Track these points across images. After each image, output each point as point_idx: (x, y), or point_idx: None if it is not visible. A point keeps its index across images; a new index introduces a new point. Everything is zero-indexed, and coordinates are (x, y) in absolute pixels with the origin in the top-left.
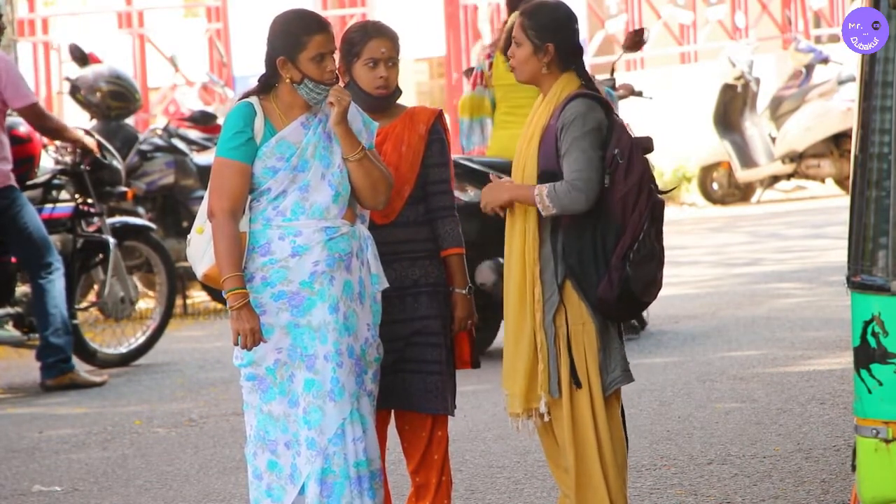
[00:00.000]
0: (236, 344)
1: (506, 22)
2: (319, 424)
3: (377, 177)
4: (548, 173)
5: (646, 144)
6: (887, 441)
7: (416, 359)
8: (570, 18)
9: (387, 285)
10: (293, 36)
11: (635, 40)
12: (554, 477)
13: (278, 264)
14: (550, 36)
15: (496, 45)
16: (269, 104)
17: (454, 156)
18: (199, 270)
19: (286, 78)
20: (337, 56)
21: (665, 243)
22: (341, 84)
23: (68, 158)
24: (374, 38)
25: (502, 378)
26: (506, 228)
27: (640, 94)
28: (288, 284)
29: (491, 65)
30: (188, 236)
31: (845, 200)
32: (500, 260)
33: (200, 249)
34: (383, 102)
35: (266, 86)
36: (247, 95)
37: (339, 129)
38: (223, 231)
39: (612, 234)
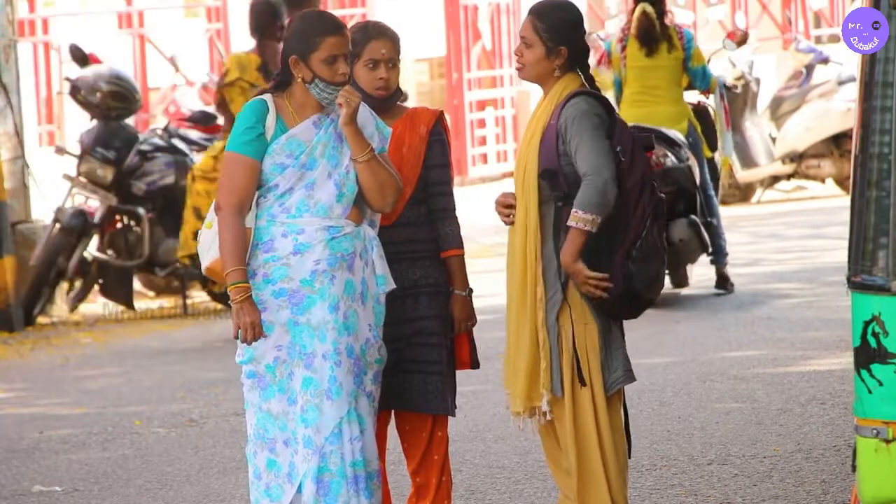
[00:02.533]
0: (236, 338)
1: (633, 10)
2: (316, 423)
3: (385, 179)
4: (548, 172)
5: (646, 143)
6: (887, 441)
7: (417, 359)
8: (580, 20)
9: (394, 286)
10: (306, 36)
11: (744, 39)
12: (554, 478)
13: (280, 261)
14: (564, 39)
15: (627, 30)
16: (283, 102)
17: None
18: (204, 264)
19: (298, 77)
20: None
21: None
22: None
23: None
24: (374, 39)
25: (503, 377)
26: (509, 228)
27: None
28: (289, 282)
29: (624, 48)
30: (198, 231)
31: (845, 200)
32: (694, 218)
33: (207, 244)
34: (383, 103)
35: (281, 84)
36: (262, 92)
37: (348, 130)
38: (228, 225)
39: (615, 232)
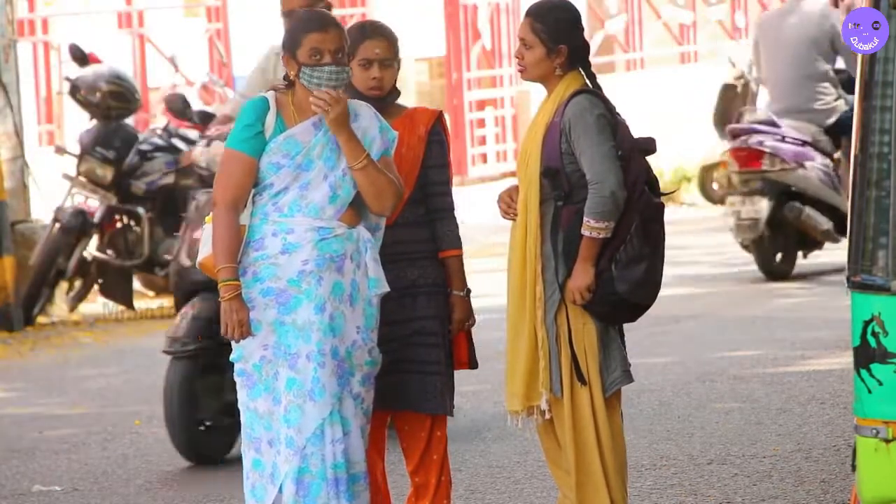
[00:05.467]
0: (224, 334)
1: None
2: (298, 423)
3: (383, 185)
4: (550, 170)
5: (647, 146)
6: (887, 441)
7: (415, 359)
8: (577, 18)
9: (387, 289)
10: (293, 34)
11: None
12: (554, 478)
13: (269, 260)
14: (563, 38)
15: None
16: (286, 100)
17: None
18: (198, 259)
19: (291, 74)
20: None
21: (666, 243)
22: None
23: None
24: (368, 38)
25: (505, 376)
26: (511, 225)
27: None
28: (276, 281)
29: None
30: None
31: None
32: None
33: (206, 238)
34: (378, 103)
35: (290, 83)
36: (268, 90)
37: (341, 137)
38: (222, 221)
39: (612, 234)
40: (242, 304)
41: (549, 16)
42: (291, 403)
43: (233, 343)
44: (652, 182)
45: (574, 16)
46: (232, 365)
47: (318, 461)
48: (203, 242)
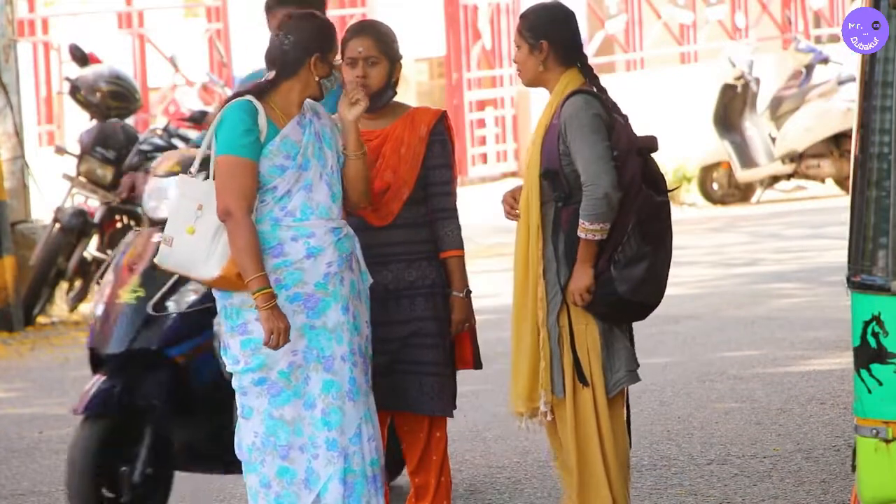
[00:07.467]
0: (267, 344)
1: None
2: (340, 425)
3: (369, 175)
4: (550, 172)
5: (650, 144)
6: (887, 441)
7: (413, 360)
8: (564, 15)
9: (371, 281)
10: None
11: None
12: (561, 478)
13: (293, 266)
14: (542, 33)
15: None
16: (267, 105)
17: None
18: (205, 272)
19: (315, 75)
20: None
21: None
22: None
23: None
24: (353, 37)
25: (510, 377)
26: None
27: None
28: (303, 286)
29: None
30: (164, 236)
31: (845, 200)
32: None
33: (200, 250)
34: (373, 101)
35: (263, 87)
36: (238, 95)
37: (352, 126)
38: (244, 230)
39: (608, 235)
40: (281, 311)
41: (531, 15)
42: (330, 406)
43: (244, 353)
44: (657, 180)
45: (556, 13)
46: None
47: (360, 460)
48: (203, 255)
